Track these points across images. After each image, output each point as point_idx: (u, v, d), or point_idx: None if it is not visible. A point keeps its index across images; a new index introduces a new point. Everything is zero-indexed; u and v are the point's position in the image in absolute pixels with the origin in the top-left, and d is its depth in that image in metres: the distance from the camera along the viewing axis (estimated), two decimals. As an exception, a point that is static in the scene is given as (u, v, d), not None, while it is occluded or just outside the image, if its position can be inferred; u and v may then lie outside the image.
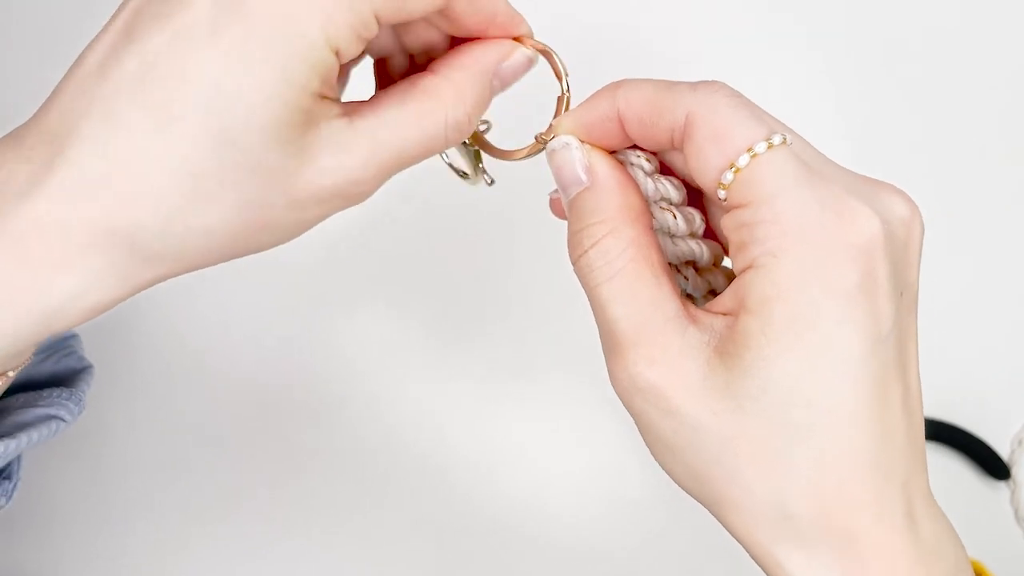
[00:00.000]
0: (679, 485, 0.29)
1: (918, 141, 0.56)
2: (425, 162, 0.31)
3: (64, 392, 0.35)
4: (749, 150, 0.26)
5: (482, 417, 0.53)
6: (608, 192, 0.29)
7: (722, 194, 0.27)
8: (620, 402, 0.28)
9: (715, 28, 0.58)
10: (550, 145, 0.31)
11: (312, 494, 0.51)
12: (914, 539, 0.27)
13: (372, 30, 0.27)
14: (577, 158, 0.30)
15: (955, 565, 0.27)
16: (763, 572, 0.28)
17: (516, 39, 0.31)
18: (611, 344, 0.28)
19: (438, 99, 0.29)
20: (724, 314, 0.27)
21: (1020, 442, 0.42)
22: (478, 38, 0.31)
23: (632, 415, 0.28)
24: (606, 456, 0.53)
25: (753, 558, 0.28)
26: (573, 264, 0.29)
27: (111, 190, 0.26)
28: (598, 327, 0.29)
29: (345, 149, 0.27)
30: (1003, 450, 0.46)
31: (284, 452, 0.52)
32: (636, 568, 0.51)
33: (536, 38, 0.31)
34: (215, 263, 0.28)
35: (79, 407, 0.35)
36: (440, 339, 0.54)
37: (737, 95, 0.28)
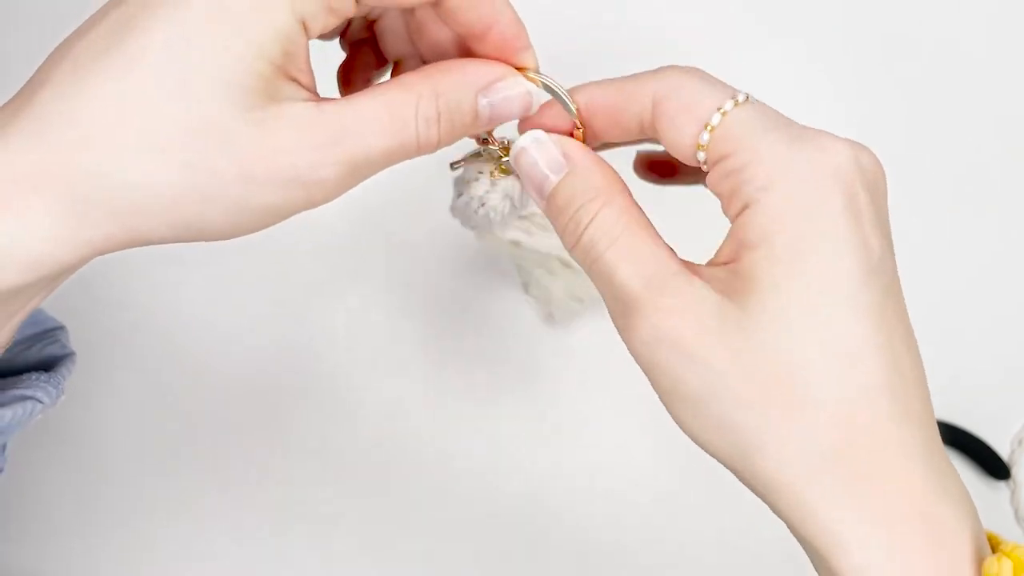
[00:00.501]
0: (703, 445, 0.28)
1: (918, 141, 0.56)
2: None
3: (43, 376, 0.35)
4: (719, 109, 0.28)
5: (482, 415, 0.53)
6: (590, 170, 0.30)
7: (701, 156, 0.29)
8: (642, 366, 0.28)
9: (711, 29, 0.58)
10: (518, 143, 0.31)
11: (307, 490, 0.52)
12: (936, 479, 0.27)
13: (346, 6, 0.27)
14: (552, 148, 0.31)
15: (971, 509, 0.28)
16: (789, 524, 0.28)
17: (520, 69, 0.31)
18: (625, 306, 0.28)
19: (410, 91, 0.29)
20: (724, 263, 0.28)
21: (1020, 442, 0.42)
22: (481, 55, 0.31)
23: (655, 374, 0.28)
24: (607, 455, 0.53)
25: (778, 511, 0.28)
26: (571, 249, 0.30)
27: (61, 134, 0.26)
28: (607, 299, 0.29)
29: (306, 129, 0.27)
30: (1003, 450, 0.46)
31: (280, 449, 0.52)
32: (637, 568, 0.51)
33: (544, 72, 0.31)
34: (161, 234, 0.27)
35: (58, 390, 0.35)
36: (440, 336, 0.54)
37: (695, 70, 0.30)
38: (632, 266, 0.28)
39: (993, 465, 0.51)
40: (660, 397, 0.29)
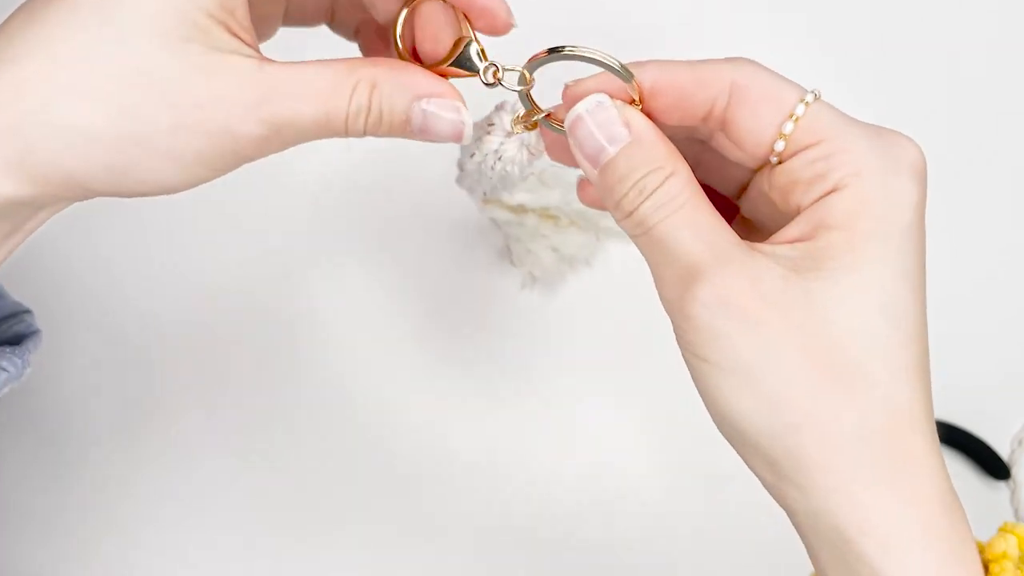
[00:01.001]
0: (737, 419, 0.28)
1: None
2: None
3: (8, 348, 0.35)
4: (803, 100, 0.29)
5: (483, 413, 0.53)
6: (654, 141, 0.30)
7: (780, 145, 0.29)
8: (697, 332, 0.28)
9: (714, 26, 0.58)
10: (576, 110, 0.31)
11: (305, 487, 0.51)
12: (939, 456, 0.28)
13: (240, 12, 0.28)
14: (615, 115, 0.30)
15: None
16: (814, 507, 0.28)
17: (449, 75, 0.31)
18: (687, 270, 0.28)
19: (353, 73, 0.29)
20: (791, 242, 0.29)
21: (1020, 442, 0.42)
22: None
23: (708, 342, 0.28)
24: (608, 454, 0.53)
25: (804, 492, 0.28)
26: (625, 218, 0.30)
27: (6, 77, 0.27)
28: (661, 266, 0.29)
29: (244, 82, 0.28)
30: (1003, 450, 0.46)
31: (277, 445, 0.52)
32: (636, 567, 0.51)
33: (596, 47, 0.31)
34: (101, 180, 0.28)
35: (23, 361, 0.35)
36: (440, 332, 0.54)
37: (766, 67, 0.31)
38: (696, 233, 0.28)
39: (993, 465, 0.52)
40: (701, 370, 0.28)
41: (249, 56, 0.28)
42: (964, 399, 0.51)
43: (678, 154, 0.30)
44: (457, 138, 0.31)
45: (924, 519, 0.27)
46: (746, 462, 0.29)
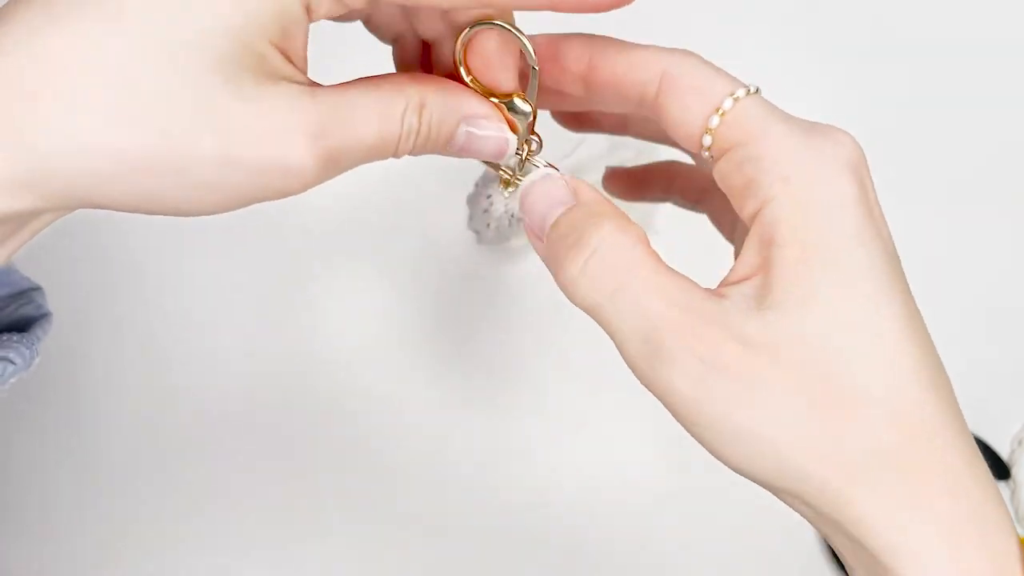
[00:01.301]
0: (760, 479, 0.27)
1: (919, 142, 0.56)
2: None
3: (15, 336, 0.32)
4: (731, 95, 0.28)
5: (485, 413, 0.53)
6: (599, 201, 0.29)
7: (708, 140, 0.28)
8: (686, 408, 0.26)
9: (698, 18, 0.58)
10: (530, 178, 0.31)
11: (307, 486, 0.52)
12: (976, 471, 0.26)
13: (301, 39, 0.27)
14: (562, 183, 0.30)
15: (1002, 499, 0.27)
16: (836, 526, 0.26)
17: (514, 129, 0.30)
18: (658, 344, 0.26)
19: (401, 93, 0.28)
20: (748, 278, 0.27)
21: (1020, 442, 0.42)
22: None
23: (703, 414, 0.26)
24: (606, 453, 0.53)
25: (826, 516, 0.26)
26: (572, 282, 0.28)
27: (22, 76, 0.24)
28: (626, 341, 0.27)
29: (299, 113, 0.26)
30: (1003, 450, 0.46)
31: (279, 445, 0.52)
32: (638, 569, 0.51)
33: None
34: (114, 199, 0.25)
35: (31, 351, 0.32)
36: (440, 335, 0.54)
37: (702, 57, 0.29)
38: (662, 298, 0.26)
39: (993, 465, 0.51)
40: (700, 437, 0.27)
41: (302, 84, 0.26)
42: (964, 399, 0.51)
43: (624, 215, 0.28)
44: (500, 156, 0.31)
45: (955, 539, 0.26)
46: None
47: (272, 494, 0.51)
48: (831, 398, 0.26)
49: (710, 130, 0.28)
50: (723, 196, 0.30)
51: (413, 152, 0.29)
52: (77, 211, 0.28)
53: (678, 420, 0.27)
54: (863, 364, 0.26)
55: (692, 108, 0.28)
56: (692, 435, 0.27)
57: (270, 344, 0.53)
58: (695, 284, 0.27)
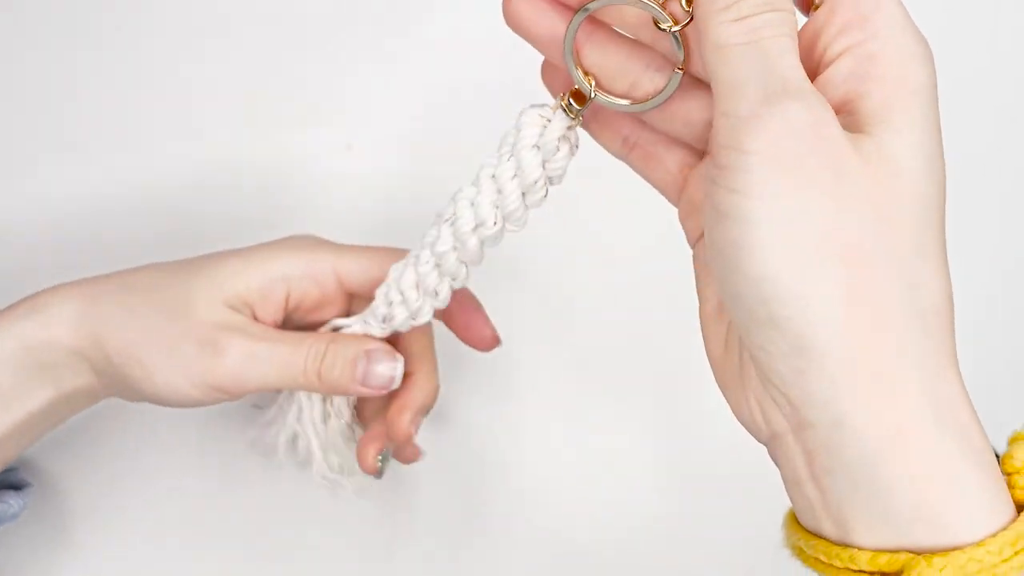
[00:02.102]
0: (766, 292, 0.26)
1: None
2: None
3: (10, 491, 0.43)
4: None
5: (483, 415, 0.53)
6: None
7: None
8: (748, 161, 0.26)
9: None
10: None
11: (294, 486, 0.52)
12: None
13: (273, 306, 0.41)
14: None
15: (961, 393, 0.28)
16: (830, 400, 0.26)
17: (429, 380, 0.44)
18: (779, 88, 0.26)
19: (304, 343, 0.40)
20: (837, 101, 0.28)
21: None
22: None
23: (762, 174, 0.26)
24: (608, 456, 0.53)
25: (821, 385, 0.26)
26: (740, 20, 0.27)
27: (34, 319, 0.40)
28: (745, 84, 0.26)
29: (244, 361, 0.39)
30: (1003, 450, 0.46)
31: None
32: (636, 570, 0.51)
33: None
34: (95, 390, 0.42)
35: (20, 503, 0.43)
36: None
37: None
38: (797, 61, 0.27)
39: (993, 465, 0.51)
40: (734, 208, 0.26)
41: (251, 337, 0.39)
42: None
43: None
44: (392, 385, 0.41)
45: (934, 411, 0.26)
46: (752, 344, 0.27)
47: (271, 492, 0.51)
48: (885, 239, 0.26)
49: None
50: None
51: (321, 391, 0.41)
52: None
53: (729, 180, 0.26)
54: (926, 223, 0.28)
55: None
56: (720, 213, 0.27)
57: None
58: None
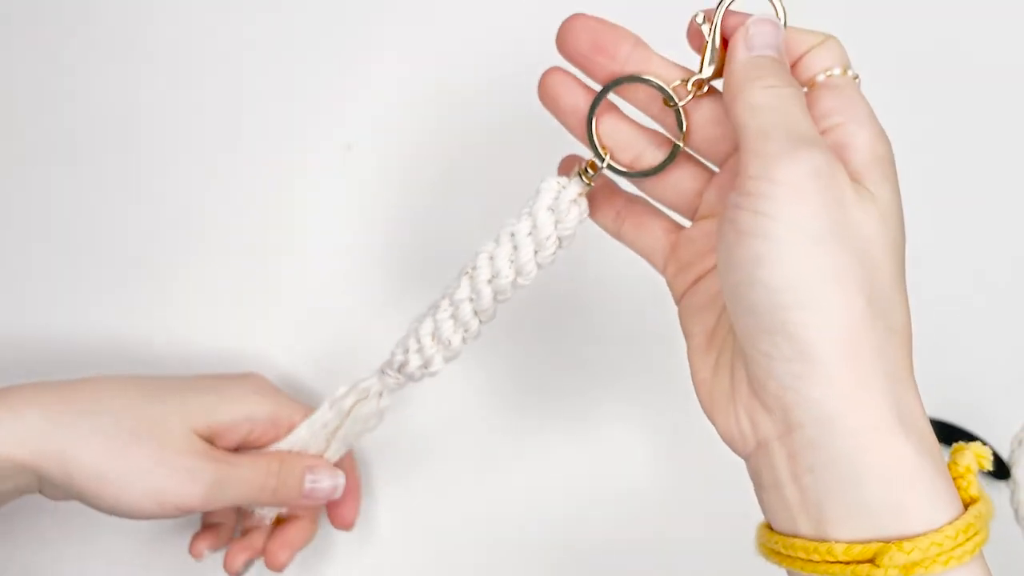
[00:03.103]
0: (773, 297, 0.30)
1: (918, 141, 0.56)
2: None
3: None
4: (827, 71, 0.34)
5: (483, 415, 0.53)
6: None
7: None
8: (768, 191, 0.30)
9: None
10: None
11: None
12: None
13: (236, 438, 0.44)
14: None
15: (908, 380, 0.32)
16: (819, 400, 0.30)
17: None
18: (800, 137, 0.31)
19: (263, 468, 0.44)
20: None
21: (1020, 442, 0.42)
22: None
23: (781, 204, 0.30)
24: (613, 454, 0.53)
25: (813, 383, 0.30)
26: (769, 75, 0.32)
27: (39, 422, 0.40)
28: (772, 128, 0.31)
29: (195, 482, 0.42)
30: (1003, 450, 0.46)
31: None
32: (640, 568, 0.51)
33: None
34: (65, 487, 0.41)
35: None
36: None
37: None
38: (811, 120, 0.32)
39: (993, 465, 0.51)
40: (752, 226, 0.30)
41: (209, 460, 0.42)
42: (964, 399, 0.52)
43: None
44: (334, 494, 0.46)
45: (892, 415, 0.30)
46: (756, 351, 0.31)
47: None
48: (861, 265, 0.30)
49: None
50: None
51: (273, 504, 0.45)
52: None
53: (751, 202, 0.30)
54: (883, 255, 0.31)
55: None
56: (738, 231, 0.31)
57: (290, 353, 0.53)
58: None
